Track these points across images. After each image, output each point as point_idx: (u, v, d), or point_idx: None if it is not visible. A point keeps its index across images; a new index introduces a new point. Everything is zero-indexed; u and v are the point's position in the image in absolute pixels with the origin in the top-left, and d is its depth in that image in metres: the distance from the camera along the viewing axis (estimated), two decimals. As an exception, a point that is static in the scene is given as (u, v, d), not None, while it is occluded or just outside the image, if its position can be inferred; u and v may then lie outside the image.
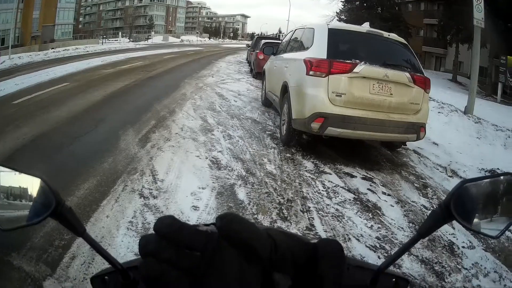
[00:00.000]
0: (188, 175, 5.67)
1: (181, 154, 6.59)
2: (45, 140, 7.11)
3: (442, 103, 11.73)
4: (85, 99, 10.58)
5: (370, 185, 6.03)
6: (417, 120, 6.75)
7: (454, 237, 4.57)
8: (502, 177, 0.84)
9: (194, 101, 10.97)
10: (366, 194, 5.67)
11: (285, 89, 7.59)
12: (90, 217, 4.24)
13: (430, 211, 0.86)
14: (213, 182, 5.46)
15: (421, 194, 5.86)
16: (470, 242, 4.47)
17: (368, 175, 6.45)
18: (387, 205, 5.35)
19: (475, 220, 0.81)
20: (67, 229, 0.77)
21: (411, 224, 4.75)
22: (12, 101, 10.44)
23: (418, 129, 6.76)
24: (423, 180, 6.49)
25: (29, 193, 0.77)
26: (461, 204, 0.78)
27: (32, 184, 0.77)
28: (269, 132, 8.35)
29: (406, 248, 0.84)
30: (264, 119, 9.52)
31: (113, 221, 4.18)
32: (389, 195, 5.75)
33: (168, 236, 0.59)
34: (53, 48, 21.99)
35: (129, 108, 9.82)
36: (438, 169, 7.12)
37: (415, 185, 6.27)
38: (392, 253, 0.86)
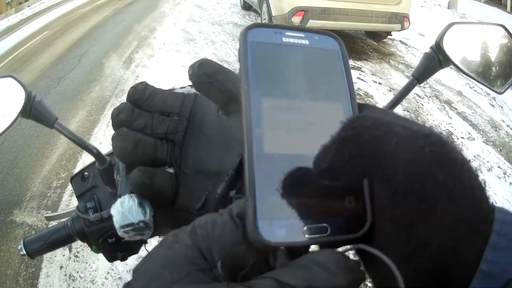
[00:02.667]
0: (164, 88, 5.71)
1: (166, 67, 6.54)
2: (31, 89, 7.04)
3: None
4: (66, 40, 10.30)
5: (360, 74, 6.01)
6: (400, 10, 6.75)
7: (451, 126, 4.63)
8: (493, 25, 0.82)
9: (174, 16, 10.70)
10: (356, 83, 5.65)
11: (263, -12, 7.49)
12: None
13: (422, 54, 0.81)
14: (200, 90, 5.52)
15: (413, 83, 5.97)
16: (469, 133, 4.50)
17: (356, 65, 6.40)
18: (379, 93, 5.37)
19: (475, 67, 0.79)
20: (40, 123, 0.73)
21: (405, 112, 4.74)
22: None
23: (401, 19, 6.77)
24: (413, 69, 6.33)
25: (2, 95, 0.74)
26: (454, 45, 0.75)
27: (4, 86, 0.74)
28: (252, 33, 8.32)
29: (402, 93, 0.80)
30: (245, 21, 9.38)
31: (107, 146, 4.16)
32: (380, 83, 5.74)
33: (141, 102, 0.54)
34: (29, 6, 21.22)
35: (110, 36, 9.59)
36: (427, 59, 7.19)
37: (405, 74, 6.22)
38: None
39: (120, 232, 0.57)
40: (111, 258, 0.76)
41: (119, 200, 0.57)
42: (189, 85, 0.57)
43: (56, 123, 0.74)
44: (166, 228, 0.61)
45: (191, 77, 0.48)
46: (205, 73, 0.48)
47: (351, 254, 0.32)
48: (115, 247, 0.73)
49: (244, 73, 0.35)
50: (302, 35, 0.38)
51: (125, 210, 0.56)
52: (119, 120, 0.53)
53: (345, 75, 0.38)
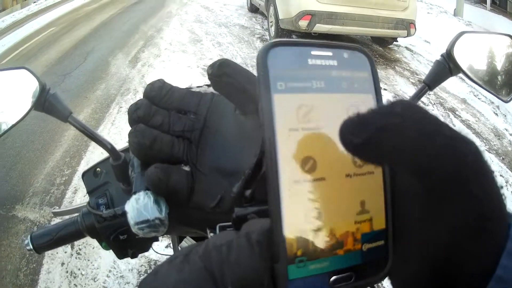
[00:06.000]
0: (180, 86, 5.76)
1: (172, 67, 6.55)
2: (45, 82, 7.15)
3: (431, 4, 11.29)
4: (72, 37, 10.31)
5: (365, 80, 6.10)
6: (406, 16, 6.80)
7: None
8: (501, 36, 0.84)
9: (180, 16, 10.71)
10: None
11: (269, -9, 7.54)
12: (88, 146, 4.32)
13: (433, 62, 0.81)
14: (206, 90, 5.62)
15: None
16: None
17: (362, 71, 6.50)
18: (383, 100, 5.39)
19: (483, 76, 0.81)
20: (54, 117, 0.72)
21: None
22: (1, 61, 10.24)
23: (407, 25, 6.82)
24: (418, 76, 6.43)
25: (15, 87, 0.74)
26: (464, 54, 0.76)
27: (18, 78, 0.74)
28: (258, 35, 8.31)
29: (413, 99, 0.81)
30: (251, 24, 9.41)
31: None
32: (385, 89, 5.75)
33: (158, 99, 0.54)
34: (35, 2, 21.10)
35: (116, 35, 9.60)
36: (432, 66, 7.31)
37: (411, 80, 6.25)
38: None
39: (134, 229, 0.57)
40: (121, 255, 0.76)
41: (134, 197, 0.57)
42: (206, 84, 0.58)
43: (70, 117, 0.73)
44: (180, 225, 0.61)
45: (211, 76, 0.47)
46: (225, 73, 0.48)
47: None
48: (126, 244, 0.73)
49: (268, 124, 0.31)
50: (330, 53, 0.34)
51: (140, 206, 0.56)
52: (136, 116, 0.53)
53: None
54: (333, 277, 0.31)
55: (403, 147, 0.27)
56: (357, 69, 0.35)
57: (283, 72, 0.32)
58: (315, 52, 0.33)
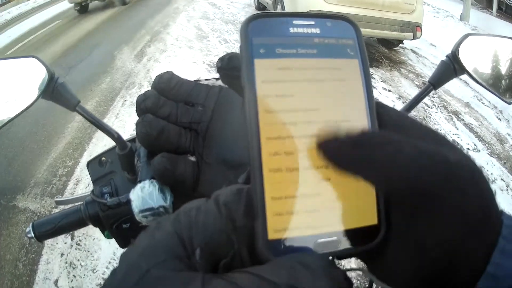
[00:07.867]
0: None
1: (178, 62, 6.55)
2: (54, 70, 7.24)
3: (438, 8, 11.18)
4: (79, 30, 10.37)
5: (370, 81, 6.18)
6: (413, 19, 6.81)
7: (458, 137, 4.65)
8: (506, 39, 0.85)
9: (187, 12, 10.72)
10: (366, 89, 5.78)
11: (277, -10, 7.53)
12: (92, 138, 4.34)
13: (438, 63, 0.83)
14: (211, 86, 5.65)
15: (422, 92, 6.05)
16: (474, 144, 4.52)
17: (367, 71, 6.57)
18: (388, 101, 5.37)
19: (487, 78, 0.82)
20: (61, 106, 0.73)
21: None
22: (6, 52, 10.25)
23: (414, 28, 6.82)
24: (422, 79, 6.42)
25: (24, 75, 0.74)
26: (468, 55, 0.77)
27: (27, 66, 0.74)
28: (265, 34, 8.43)
29: (418, 98, 0.82)
30: (259, 22, 9.43)
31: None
32: (389, 91, 5.77)
33: (166, 91, 0.55)
34: (41, -6, 21.14)
35: (122, 29, 9.63)
36: (437, 69, 7.36)
37: (415, 82, 6.24)
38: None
39: (138, 217, 0.58)
40: (123, 244, 0.77)
41: (139, 185, 0.57)
42: (214, 77, 0.59)
43: (78, 106, 0.73)
44: None
45: (220, 69, 0.47)
46: (234, 67, 0.46)
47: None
48: (129, 232, 0.73)
49: (249, 88, 0.32)
50: (312, 22, 0.35)
51: (145, 195, 0.56)
52: (145, 107, 0.53)
53: (362, 76, 0.35)
54: (318, 241, 0.31)
55: (370, 166, 0.29)
56: (342, 37, 0.36)
57: (264, 40, 0.33)
58: (297, 21, 0.35)
